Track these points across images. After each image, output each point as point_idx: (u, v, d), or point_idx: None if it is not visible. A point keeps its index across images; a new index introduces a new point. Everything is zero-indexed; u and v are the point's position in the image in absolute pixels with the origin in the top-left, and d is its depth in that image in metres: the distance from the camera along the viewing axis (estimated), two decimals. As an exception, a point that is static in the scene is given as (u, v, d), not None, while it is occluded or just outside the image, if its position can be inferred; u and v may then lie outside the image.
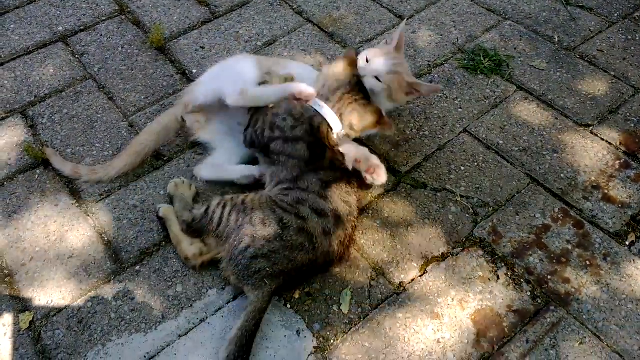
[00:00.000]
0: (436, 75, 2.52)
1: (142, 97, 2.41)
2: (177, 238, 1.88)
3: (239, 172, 2.06)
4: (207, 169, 2.09)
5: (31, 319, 1.74)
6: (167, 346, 1.68)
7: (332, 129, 1.90)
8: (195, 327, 1.72)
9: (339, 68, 1.96)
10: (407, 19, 2.80)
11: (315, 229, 1.76)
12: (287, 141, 1.89)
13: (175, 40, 2.69)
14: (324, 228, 1.77)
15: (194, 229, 1.84)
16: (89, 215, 2.00)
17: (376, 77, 1.94)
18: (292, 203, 1.79)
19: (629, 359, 1.66)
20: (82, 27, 2.75)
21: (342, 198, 1.84)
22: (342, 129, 1.92)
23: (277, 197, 1.83)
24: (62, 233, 1.95)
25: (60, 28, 2.75)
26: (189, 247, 1.85)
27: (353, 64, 1.96)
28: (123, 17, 2.82)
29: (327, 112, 1.90)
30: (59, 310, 1.76)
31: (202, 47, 2.65)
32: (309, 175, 1.85)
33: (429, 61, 2.59)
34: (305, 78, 2.07)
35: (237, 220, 1.76)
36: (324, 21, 2.81)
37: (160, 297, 1.79)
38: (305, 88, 1.91)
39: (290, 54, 2.62)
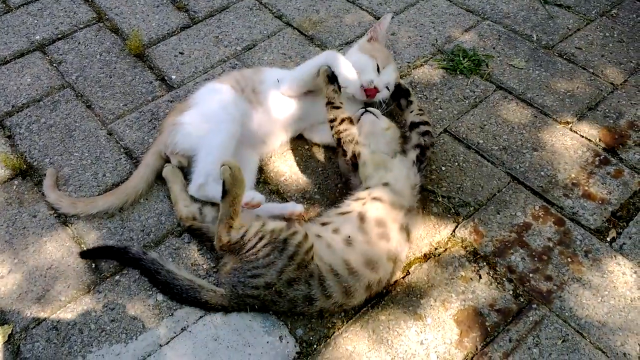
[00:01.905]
0: (416, 76, 2.52)
1: (121, 105, 2.39)
2: (176, 198, 1.98)
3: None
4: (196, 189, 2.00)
5: (10, 331, 1.72)
6: (148, 356, 1.66)
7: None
8: (177, 335, 1.70)
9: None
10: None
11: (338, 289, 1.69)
12: None
13: (154, 47, 2.67)
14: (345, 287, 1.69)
15: (228, 250, 1.75)
16: (67, 226, 1.98)
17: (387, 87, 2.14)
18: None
19: (611, 355, 1.67)
20: (59, 36, 2.73)
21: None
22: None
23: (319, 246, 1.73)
24: (40, 244, 1.93)
25: (38, 37, 2.73)
26: (184, 208, 1.94)
27: None
28: (101, 24, 2.80)
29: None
30: (38, 322, 1.74)
31: (182, 53, 2.64)
32: None
33: (408, 62, 2.59)
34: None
35: (268, 254, 1.66)
36: (304, 24, 2.81)
37: (141, 306, 1.77)
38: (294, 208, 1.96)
39: (271, 58, 2.62)
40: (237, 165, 1.73)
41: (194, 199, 1.98)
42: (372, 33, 2.21)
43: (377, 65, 2.12)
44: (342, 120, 1.96)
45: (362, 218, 1.77)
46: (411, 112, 2.13)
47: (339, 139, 1.96)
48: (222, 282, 1.74)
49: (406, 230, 1.80)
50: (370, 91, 2.09)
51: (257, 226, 1.72)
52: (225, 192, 1.72)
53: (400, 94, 2.22)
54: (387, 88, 2.16)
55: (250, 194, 1.86)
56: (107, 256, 1.89)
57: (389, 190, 1.84)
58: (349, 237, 1.73)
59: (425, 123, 2.07)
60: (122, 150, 2.22)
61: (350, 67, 2.05)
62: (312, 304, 1.67)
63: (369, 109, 2.09)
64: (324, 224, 1.82)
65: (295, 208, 1.97)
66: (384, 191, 1.84)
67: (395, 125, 2.10)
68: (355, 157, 1.92)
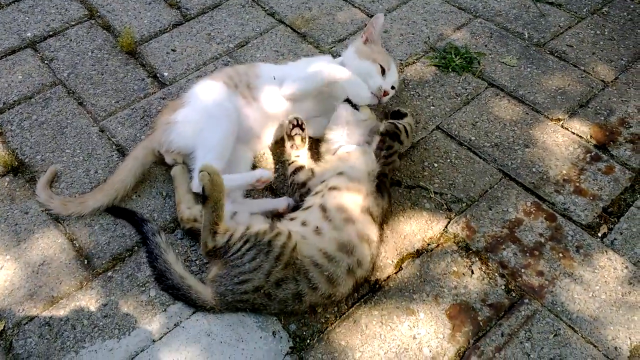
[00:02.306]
0: (408, 74, 2.53)
1: (113, 102, 2.39)
2: (179, 199, 1.98)
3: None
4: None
5: (2, 327, 1.71)
6: (141, 351, 1.66)
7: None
8: (170, 331, 1.70)
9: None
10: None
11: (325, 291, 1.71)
12: None
13: (146, 44, 2.67)
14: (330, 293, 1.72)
15: (214, 256, 1.74)
16: (59, 222, 1.97)
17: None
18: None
19: (603, 349, 1.68)
20: (51, 33, 2.72)
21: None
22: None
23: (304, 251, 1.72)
24: (32, 240, 1.92)
25: (29, 34, 2.71)
26: (186, 210, 1.94)
27: None
28: (93, 21, 2.80)
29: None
30: (31, 318, 1.73)
31: (174, 50, 2.63)
32: None
33: (401, 60, 2.60)
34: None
35: (254, 258, 1.66)
36: (296, 22, 2.81)
37: (134, 302, 1.76)
38: (262, 174, 1.95)
39: (263, 55, 2.62)
40: (216, 169, 1.72)
41: (196, 200, 1.98)
42: (367, 34, 2.17)
43: (382, 68, 2.10)
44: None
45: (323, 208, 1.81)
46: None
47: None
48: (210, 289, 1.73)
49: (369, 212, 1.82)
50: (380, 97, 2.09)
51: (242, 230, 1.71)
52: (205, 198, 1.70)
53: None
54: (393, 87, 2.16)
55: (259, 172, 1.95)
56: (128, 221, 1.97)
57: (345, 178, 1.88)
58: (317, 227, 1.77)
59: (404, 115, 2.12)
60: (114, 147, 2.22)
61: (357, 83, 2.04)
62: (301, 300, 1.67)
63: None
64: (292, 219, 1.84)
65: (263, 173, 1.95)
66: (340, 179, 1.88)
67: (375, 117, 2.12)
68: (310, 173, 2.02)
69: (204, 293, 1.72)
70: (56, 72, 2.52)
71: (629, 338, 1.70)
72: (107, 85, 2.46)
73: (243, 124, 2.06)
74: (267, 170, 1.99)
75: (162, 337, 1.69)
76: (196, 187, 1.95)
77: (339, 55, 2.28)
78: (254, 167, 2.15)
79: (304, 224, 1.80)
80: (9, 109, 2.35)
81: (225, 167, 1.94)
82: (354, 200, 1.83)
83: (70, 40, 2.68)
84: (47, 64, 2.56)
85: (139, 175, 2.05)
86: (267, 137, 2.17)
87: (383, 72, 2.10)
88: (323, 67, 2.08)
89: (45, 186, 2.02)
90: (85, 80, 2.48)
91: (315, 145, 2.17)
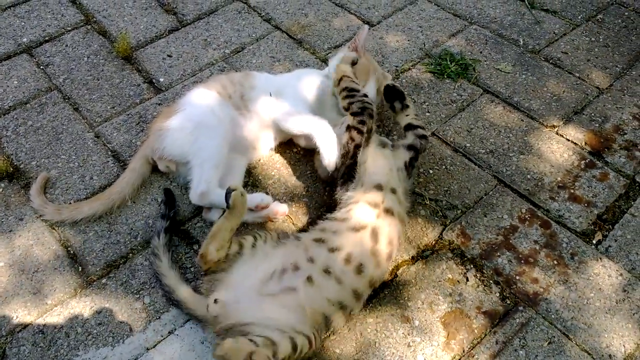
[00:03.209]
0: (404, 80, 2.53)
1: (109, 107, 2.38)
2: (215, 234, 1.68)
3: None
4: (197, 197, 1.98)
5: (-5, 336, 1.71)
6: (135, 359, 1.65)
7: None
8: (164, 339, 1.69)
9: None
10: (373, 26, 2.82)
11: None
12: None
13: (142, 49, 2.67)
14: None
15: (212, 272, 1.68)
16: (54, 229, 1.97)
17: None
18: None
19: (597, 357, 1.68)
20: (46, 38, 2.72)
21: None
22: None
23: None
24: (27, 247, 1.92)
25: (25, 39, 2.71)
26: (214, 250, 1.66)
27: None
28: (89, 26, 2.79)
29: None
30: (24, 326, 1.73)
31: (170, 56, 2.63)
32: None
33: (396, 66, 2.61)
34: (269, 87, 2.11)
35: None
36: (293, 28, 2.81)
37: (128, 309, 1.76)
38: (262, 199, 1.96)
39: (259, 61, 2.62)
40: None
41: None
42: (352, 46, 2.18)
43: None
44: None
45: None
46: (407, 115, 2.08)
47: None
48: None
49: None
50: None
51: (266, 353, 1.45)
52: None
53: (394, 96, 2.10)
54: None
55: (259, 196, 1.94)
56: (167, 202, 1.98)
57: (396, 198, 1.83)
58: (361, 265, 1.67)
59: (423, 127, 2.04)
60: (109, 153, 2.21)
61: (328, 141, 1.94)
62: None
63: None
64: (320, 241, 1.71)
65: (279, 208, 1.98)
66: (393, 201, 1.81)
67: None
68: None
69: (191, 311, 1.71)
70: (52, 77, 2.52)
71: (623, 345, 1.70)
72: (103, 90, 2.46)
73: (236, 134, 2.05)
74: (282, 205, 2.01)
75: (156, 344, 1.68)
76: (196, 199, 1.94)
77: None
78: (249, 172, 2.15)
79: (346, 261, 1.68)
80: (4, 115, 2.35)
81: (221, 175, 1.95)
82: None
83: (66, 45, 2.68)
84: (42, 69, 2.56)
85: (137, 186, 2.06)
86: (263, 147, 2.17)
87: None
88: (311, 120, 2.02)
89: (39, 192, 2.01)
90: (81, 86, 2.48)
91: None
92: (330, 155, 1.91)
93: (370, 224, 1.72)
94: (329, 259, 1.64)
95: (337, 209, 1.83)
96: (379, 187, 1.81)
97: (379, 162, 1.89)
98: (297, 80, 2.15)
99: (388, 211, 1.77)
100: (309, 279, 1.59)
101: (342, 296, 1.62)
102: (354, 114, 1.90)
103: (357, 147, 1.86)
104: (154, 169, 2.10)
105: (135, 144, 2.23)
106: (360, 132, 1.87)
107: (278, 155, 2.22)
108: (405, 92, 2.13)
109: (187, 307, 1.70)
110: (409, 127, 2.04)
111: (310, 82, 2.13)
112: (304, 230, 1.91)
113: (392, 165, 1.89)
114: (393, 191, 1.82)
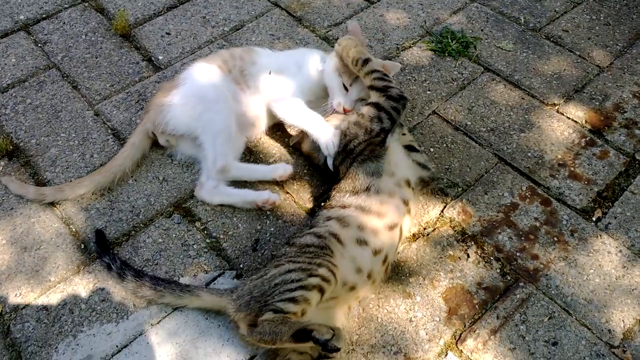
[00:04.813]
0: (404, 58, 2.52)
1: (107, 85, 2.37)
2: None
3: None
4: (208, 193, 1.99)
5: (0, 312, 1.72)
6: (139, 335, 1.66)
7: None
8: (168, 315, 1.70)
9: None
10: (373, 3, 2.79)
11: None
12: None
13: (141, 27, 2.64)
14: None
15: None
16: (55, 206, 1.97)
17: None
18: None
19: (597, 331, 1.70)
20: (44, 15, 2.69)
21: None
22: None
23: None
24: (28, 225, 1.92)
25: (22, 17, 2.68)
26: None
27: None
28: (86, 4, 2.77)
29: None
30: (28, 302, 1.74)
31: (168, 33, 2.61)
32: None
33: (397, 44, 2.59)
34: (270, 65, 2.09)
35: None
36: (292, 5, 2.79)
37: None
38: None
39: (259, 39, 2.60)
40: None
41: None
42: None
43: (343, 84, 2.01)
44: None
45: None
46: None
47: None
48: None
49: None
50: (340, 112, 2.04)
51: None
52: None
53: None
54: (362, 99, 2.06)
55: (266, 194, 1.94)
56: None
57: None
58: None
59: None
60: (109, 131, 2.21)
61: (323, 128, 1.97)
62: None
63: None
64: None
65: (285, 169, 2.01)
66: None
67: None
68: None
69: None
70: (50, 55, 2.50)
71: (622, 321, 1.72)
72: (102, 68, 2.44)
73: (236, 110, 2.04)
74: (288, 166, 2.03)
75: (160, 320, 1.69)
76: (215, 174, 1.95)
77: (336, 40, 2.26)
78: (250, 151, 2.15)
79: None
80: (2, 93, 2.33)
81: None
82: None
83: (64, 23, 2.66)
84: (40, 47, 2.54)
85: (138, 160, 2.05)
86: (262, 125, 2.16)
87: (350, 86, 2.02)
88: (299, 112, 2.03)
89: (24, 185, 2.00)
90: (80, 64, 2.46)
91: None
92: (329, 151, 1.94)
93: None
94: None
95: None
96: None
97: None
98: (299, 60, 2.13)
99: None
100: None
101: None
102: (389, 98, 1.89)
103: (383, 130, 1.87)
104: (154, 143, 2.10)
105: (135, 122, 2.22)
106: (392, 118, 1.88)
107: (278, 134, 2.22)
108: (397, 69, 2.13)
109: None
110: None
111: (312, 63, 2.10)
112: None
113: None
114: None
